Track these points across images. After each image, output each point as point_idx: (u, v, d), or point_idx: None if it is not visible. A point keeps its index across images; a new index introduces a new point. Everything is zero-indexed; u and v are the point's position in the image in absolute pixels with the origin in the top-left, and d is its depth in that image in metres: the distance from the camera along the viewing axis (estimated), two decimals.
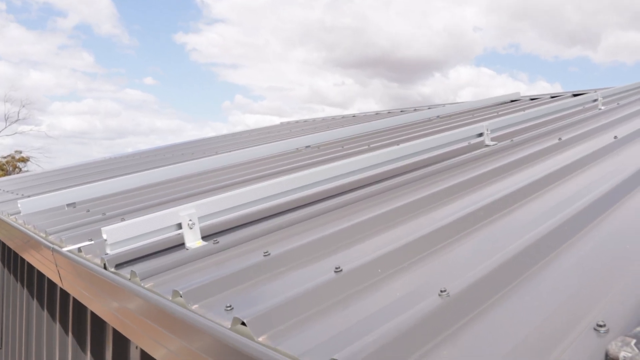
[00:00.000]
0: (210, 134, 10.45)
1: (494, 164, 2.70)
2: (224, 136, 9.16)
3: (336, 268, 1.45)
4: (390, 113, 8.55)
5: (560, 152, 2.97)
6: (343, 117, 9.56)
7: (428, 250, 1.58)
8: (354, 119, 8.73)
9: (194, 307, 1.42)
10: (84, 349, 2.94)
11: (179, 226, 2.02)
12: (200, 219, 2.06)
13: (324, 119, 9.74)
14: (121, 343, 2.49)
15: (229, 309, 1.37)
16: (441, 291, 1.19)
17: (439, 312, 1.14)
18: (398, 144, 3.10)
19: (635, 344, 0.70)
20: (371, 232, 1.82)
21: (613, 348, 0.70)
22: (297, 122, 10.29)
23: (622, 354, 0.69)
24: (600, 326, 0.97)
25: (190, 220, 2.02)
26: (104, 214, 2.93)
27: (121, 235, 1.91)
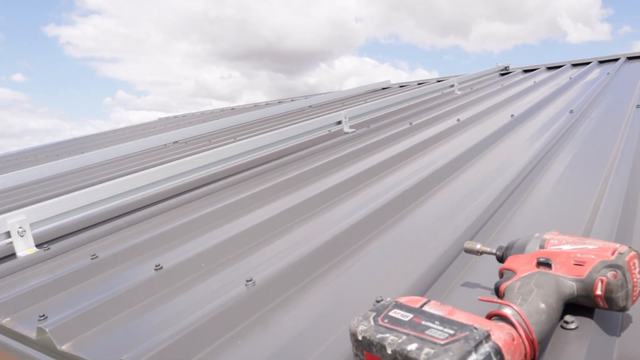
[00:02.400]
0: (92, 132, 9.85)
1: (344, 151, 2.78)
2: (97, 135, 8.72)
3: (156, 266, 1.43)
4: (268, 104, 8.56)
5: (411, 136, 3.11)
6: (222, 110, 9.44)
7: (253, 243, 1.59)
8: (232, 111, 8.64)
9: (5, 320, 1.34)
10: None
11: (8, 234, 1.89)
12: (35, 225, 1.95)
13: (202, 113, 9.55)
14: None
15: (42, 318, 1.30)
16: (247, 281, 1.21)
17: (243, 301, 1.15)
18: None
19: (374, 317, 0.74)
20: (201, 230, 1.81)
21: (353, 323, 0.74)
22: (175, 117, 10.01)
23: (360, 328, 0.73)
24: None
25: (21, 227, 1.90)
26: None
27: None
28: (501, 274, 0.92)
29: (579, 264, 0.84)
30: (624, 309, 0.81)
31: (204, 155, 2.57)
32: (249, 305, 1.15)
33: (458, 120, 3.21)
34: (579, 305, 0.87)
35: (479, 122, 3.24)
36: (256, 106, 8.60)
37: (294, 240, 1.58)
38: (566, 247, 0.88)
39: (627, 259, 0.81)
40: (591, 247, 0.85)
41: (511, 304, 0.74)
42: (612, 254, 0.82)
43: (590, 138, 2.31)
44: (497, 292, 0.87)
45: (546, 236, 0.93)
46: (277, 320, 1.12)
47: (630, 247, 0.83)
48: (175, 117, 10.09)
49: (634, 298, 0.82)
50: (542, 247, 0.91)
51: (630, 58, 5.84)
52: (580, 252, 0.85)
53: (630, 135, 2.14)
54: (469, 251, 1.07)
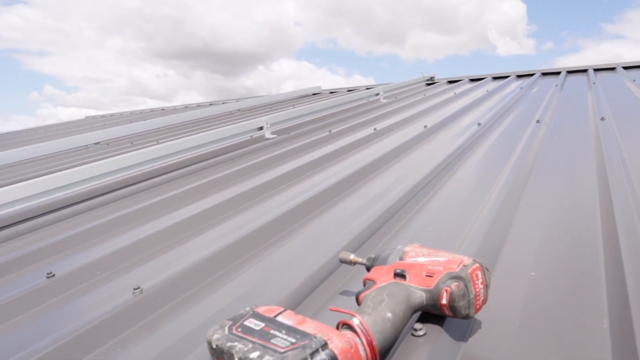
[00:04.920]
0: (14, 129, 9.39)
1: (260, 157, 2.81)
2: (17, 132, 8.37)
3: (48, 274, 1.42)
4: (199, 106, 8.48)
5: (328, 143, 3.18)
6: (152, 110, 9.27)
7: (152, 250, 1.60)
8: (162, 112, 8.50)
9: None
10: None
11: None
12: None
13: (131, 113, 9.35)
14: None
15: None
16: (134, 289, 1.22)
17: (128, 309, 1.17)
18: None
19: (229, 326, 0.78)
20: (102, 237, 1.81)
21: (210, 331, 0.78)
22: (102, 116, 9.75)
23: (214, 336, 0.76)
24: None
25: None
26: None
27: None
28: (364, 284, 0.98)
29: (429, 275, 0.90)
30: (467, 317, 0.88)
31: (117, 159, 2.54)
32: (133, 314, 1.17)
33: (375, 129, 3.31)
34: (432, 314, 0.94)
35: (394, 131, 3.35)
36: (187, 107, 8.51)
37: (194, 246, 1.60)
38: (421, 259, 0.95)
39: (470, 270, 0.88)
40: (442, 259, 0.93)
41: (355, 314, 0.80)
42: (458, 265, 0.89)
43: (490, 151, 2.44)
44: (357, 300, 0.93)
45: (406, 248, 1.00)
46: (162, 328, 1.13)
47: (474, 260, 0.91)
48: (102, 116, 9.82)
49: (477, 307, 0.89)
50: (401, 258, 0.98)
51: (544, 74, 6.17)
52: (432, 264, 0.92)
53: (524, 149, 2.28)
54: (343, 261, 1.13)
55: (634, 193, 1.57)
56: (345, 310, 0.81)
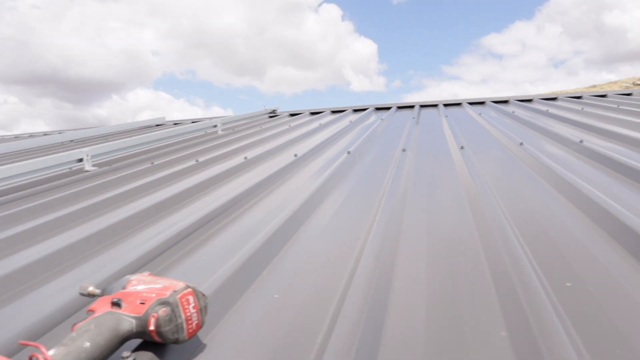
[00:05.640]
0: None
1: (69, 190, 2.70)
2: None
3: None
4: (31, 136, 7.94)
5: (152, 174, 3.14)
6: None
7: None
8: None
9: None
10: None
11: None
12: None
13: None
14: None
15: None
16: None
17: None
18: None
19: None
20: None
21: None
22: None
23: None
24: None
25: None
26: None
27: None
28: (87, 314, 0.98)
29: (142, 303, 0.93)
30: (177, 342, 0.92)
31: None
32: None
33: (197, 161, 3.32)
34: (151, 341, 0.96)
35: (216, 163, 3.39)
36: (17, 137, 7.92)
37: None
38: (140, 287, 0.97)
39: (179, 296, 0.92)
40: (158, 286, 0.96)
41: (41, 346, 0.80)
42: (169, 291, 0.93)
43: (363, 178, 2.56)
44: (72, 331, 0.93)
45: (132, 277, 1.01)
46: None
47: (187, 285, 0.95)
48: None
49: (190, 331, 0.93)
50: (123, 287, 0.99)
51: (400, 107, 6.61)
52: (147, 292, 0.95)
53: (397, 175, 2.39)
54: (83, 294, 1.12)
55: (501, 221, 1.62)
56: (33, 343, 0.81)
